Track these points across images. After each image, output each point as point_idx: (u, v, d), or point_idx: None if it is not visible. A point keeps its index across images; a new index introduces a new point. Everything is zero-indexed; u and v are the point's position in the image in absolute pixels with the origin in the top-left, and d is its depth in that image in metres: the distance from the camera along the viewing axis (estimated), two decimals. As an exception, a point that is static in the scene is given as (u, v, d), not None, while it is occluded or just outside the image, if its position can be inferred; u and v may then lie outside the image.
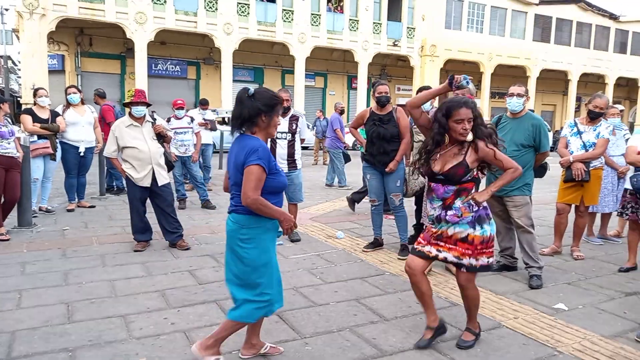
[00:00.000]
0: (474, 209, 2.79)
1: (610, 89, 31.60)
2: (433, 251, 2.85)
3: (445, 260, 2.85)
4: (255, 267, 2.49)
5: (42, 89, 6.63)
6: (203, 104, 9.02)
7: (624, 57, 32.39)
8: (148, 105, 4.80)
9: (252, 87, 2.61)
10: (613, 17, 31.68)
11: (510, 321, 3.32)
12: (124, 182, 7.12)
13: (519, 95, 4.17)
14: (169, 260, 4.55)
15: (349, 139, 19.97)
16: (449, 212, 2.79)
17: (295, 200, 5.45)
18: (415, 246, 2.92)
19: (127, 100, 4.72)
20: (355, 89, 26.46)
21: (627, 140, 5.28)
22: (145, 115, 4.80)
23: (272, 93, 2.56)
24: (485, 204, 2.87)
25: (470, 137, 2.78)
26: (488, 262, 2.84)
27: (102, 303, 3.47)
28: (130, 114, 4.75)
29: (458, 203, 2.79)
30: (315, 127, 14.89)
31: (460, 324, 3.24)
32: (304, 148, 20.20)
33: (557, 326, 3.26)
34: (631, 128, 27.81)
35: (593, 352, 2.90)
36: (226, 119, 16.59)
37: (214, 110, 8.72)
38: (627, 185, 4.52)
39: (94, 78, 22.07)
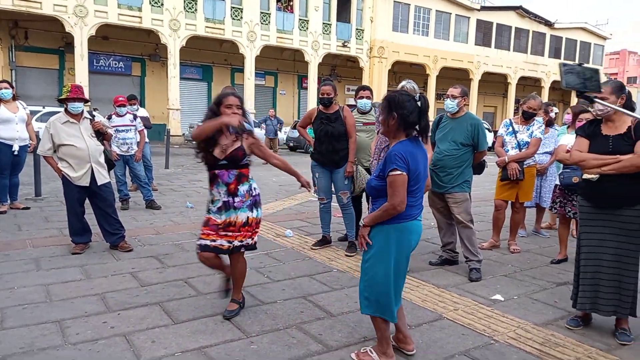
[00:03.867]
0: (253, 193, 3.24)
1: (546, 92, 33.44)
2: (225, 244, 3.18)
3: (230, 247, 3.19)
4: None
5: None
6: (131, 99, 8.61)
7: (558, 62, 34.25)
8: (86, 101, 4.60)
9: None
10: (548, 23, 33.54)
11: (450, 313, 3.44)
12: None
13: (452, 96, 4.34)
14: (110, 262, 4.39)
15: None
16: (236, 199, 3.16)
17: (242, 199, 5.40)
18: (206, 241, 3.16)
19: (62, 96, 4.50)
20: (306, 88, 26.54)
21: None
22: (82, 111, 4.59)
23: None
24: (259, 190, 3.32)
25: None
26: (256, 240, 3.32)
27: (35, 308, 3.29)
28: (66, 110, 4.53)
29: (242, 189, 3.18)
30: (266, 126, 14.82)
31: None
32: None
33: (494, 316, 3.41)
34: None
35: (526, 340, 3.06)
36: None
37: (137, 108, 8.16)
38: (557, 181, 4.81)
39: (30, 73, 20.92)
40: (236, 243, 3.19)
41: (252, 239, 3.26)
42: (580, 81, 2.68)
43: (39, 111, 14.90)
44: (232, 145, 3.15)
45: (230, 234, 3.17)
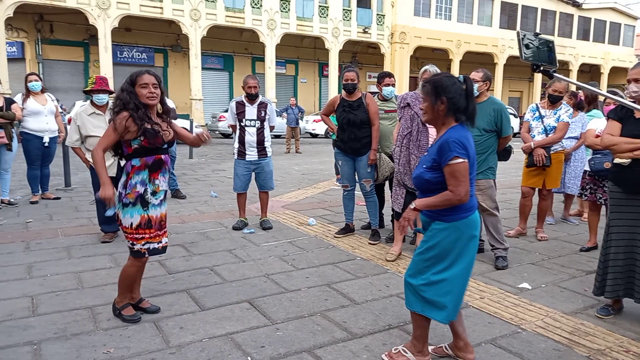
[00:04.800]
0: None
1: (574, 75, 32.49)
2: (166, 241, 3.07)
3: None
4: None
5: None
6: None
7: (586, 44, 33.32)
8: (110, 92, 4.68)
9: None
10: (576, 4, 32.46)
11: (476, 301, 3.41)
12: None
13: (473, 80, 4.23)
14: (138, 250, 4.48)
15: (321, 126, 20.00)
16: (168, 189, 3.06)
17: (266, 188, 5.44)
18: (153, 244, 2.94)
19: (88, 88, 4.58)
20: (327, 76, 26.40)
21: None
22: (107, 103, 4.67)
23: None
24: None
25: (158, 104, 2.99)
26: None
27: (67, 295, 3.39)
28: (92, 102, 4.61)
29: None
30: (287, 115, 14.81)
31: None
32: (276, 137, 20.16)
33: (521, 304, 3.37)
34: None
35: (555, 329, 3.01)
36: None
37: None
38: (587, 167, 4.68)
39: (56, 66, 21.37)
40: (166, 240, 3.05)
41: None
42: (538, 55, 2.51)
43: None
44: (167, 127, 2.97)
45: (164, 230, 3.01)
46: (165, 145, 2.93)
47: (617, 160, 3.10)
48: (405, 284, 2.50)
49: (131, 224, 2.85)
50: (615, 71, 34.52)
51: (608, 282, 3.14)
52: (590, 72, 35.68)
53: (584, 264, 4.31)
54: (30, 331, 2.85)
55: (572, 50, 32.52)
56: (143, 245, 2.90)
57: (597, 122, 4.56)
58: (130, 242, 2.90)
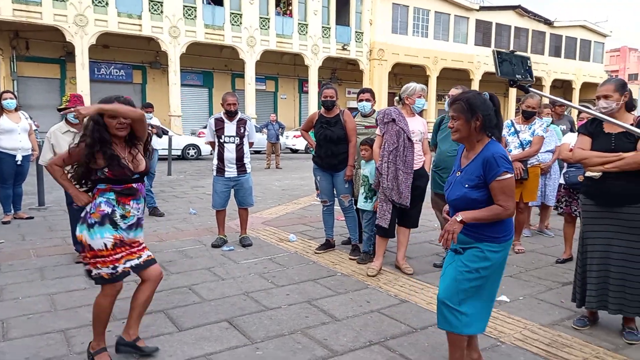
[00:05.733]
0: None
1: (547, 90, 33.36)
2: (144, 255, 2.78)
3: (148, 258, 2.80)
4: None
5: None
6: (147, 107, 8.73)
7: (558, 61, 34.34)
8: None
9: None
10: (548, 22, 33.55)
11: (456, 315, 3.42)
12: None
13: (452, 97, 4.31)
14: (114, 270, 4.38)
15: (301, 142, 20.09)
16: (142, 216, 2.80)
17: (245, 205, 5.40)
18: (134, 261, 2.71)
19: (62, 106, 4.51)
20: (307, 92, 26.59)
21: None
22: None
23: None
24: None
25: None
26: None
27: (40, 318, 3.29)
28: (66, 120, 4.55)
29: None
30: (268, 131, 14.84)
31: (409, 320, 3.31)
32: (256, 152, 20.12)
33: (499, 317, 3.39)
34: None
35: (533, 341, 3.04)
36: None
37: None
38: (562, 180, 4.79)
39: (31, 83, 21.04)
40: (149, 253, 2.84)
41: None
42: (514, 70, 2.59)
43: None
44: (137, 157, 2.73)
45: (135, 249, 2.76)
46: (137, 176, 2.71)
47: (588, 174, 3.18)
48: (442, 305, 2.43)
49: (105, 246, 2.59)
50: (587, 86, 35.58)
51: (587, 292, 3.20)
52: (562, 87, 36.71)
53: (560, 275, 4.38)
54: (0, 357, 2.76)
55: (545, 67, 33.46)
56: (125, 264, 2.65)
57: (571, 137, 4.68)
58: (111, 266, 2.61)
